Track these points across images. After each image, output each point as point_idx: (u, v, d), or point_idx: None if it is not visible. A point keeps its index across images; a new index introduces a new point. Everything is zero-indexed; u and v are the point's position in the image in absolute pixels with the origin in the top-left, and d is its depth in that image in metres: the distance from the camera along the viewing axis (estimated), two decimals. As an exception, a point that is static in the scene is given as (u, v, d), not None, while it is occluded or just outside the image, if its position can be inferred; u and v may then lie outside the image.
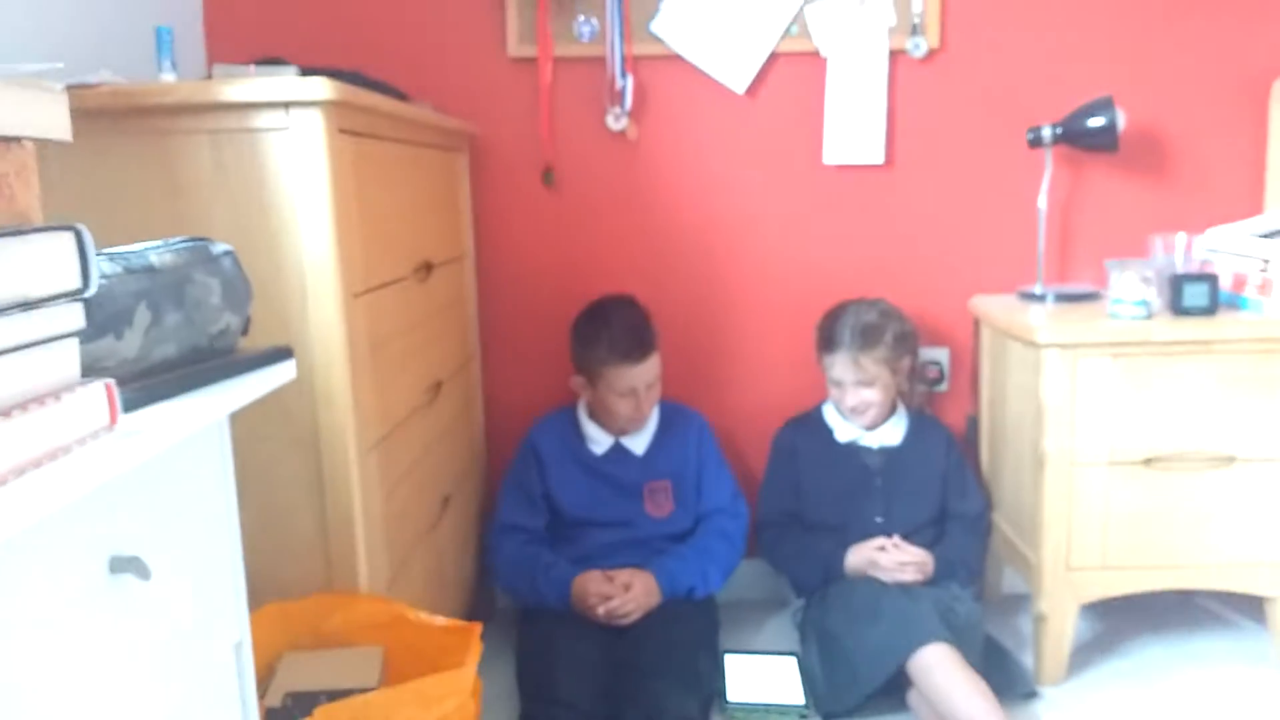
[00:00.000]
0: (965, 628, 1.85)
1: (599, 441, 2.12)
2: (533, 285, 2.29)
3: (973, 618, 1.92)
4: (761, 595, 2.35)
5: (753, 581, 2.34)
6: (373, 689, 1.26)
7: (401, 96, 1.71)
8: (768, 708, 1.87)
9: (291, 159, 1.28)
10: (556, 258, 2.28)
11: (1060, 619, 1.94)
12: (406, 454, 1.63)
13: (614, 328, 2.05)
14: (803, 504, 2.15)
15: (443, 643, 1.37)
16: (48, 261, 0.69)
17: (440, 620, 1.39)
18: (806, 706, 1.87)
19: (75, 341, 0.72)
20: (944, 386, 2.34)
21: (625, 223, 2.27)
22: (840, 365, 2.09)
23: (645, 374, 2.05)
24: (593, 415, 2.14)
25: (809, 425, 2.20)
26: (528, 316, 2.30)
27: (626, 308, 2.10)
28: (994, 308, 2.14)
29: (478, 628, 1.36)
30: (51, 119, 0.73)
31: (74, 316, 0.72)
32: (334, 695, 1.21)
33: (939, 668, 1.70)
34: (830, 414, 2.18)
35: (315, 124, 1.27)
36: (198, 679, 0.91)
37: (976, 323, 2.28)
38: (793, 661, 2.02)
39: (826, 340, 2.13)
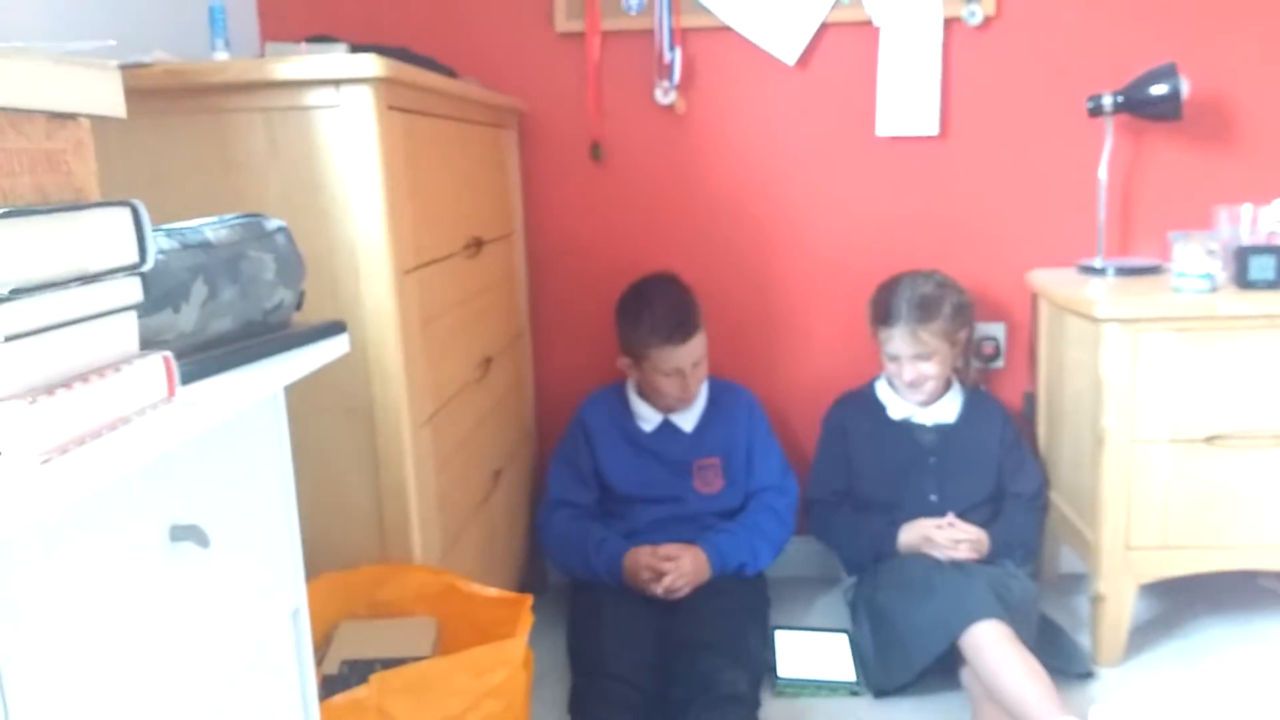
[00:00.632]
0: (1020, 606, 1.83)
1: (648, 419, 2.12)
2: (582, 261, 2.29)
3: (1028, 596, 1.89)
4: (812, 572, 2.34)
5: (804, 558, 2.34)
6: (426, 658, 1.27)
7: (450, 73, 1.71)
8: (819, 684, 1.86)
9: (342, 136, 1.29)
10: (605, 233, 2.28)
11: (1119, 599, 1.90)
12: (458, 428, 1.65)
13: (656, 310, 2.04)
14: (855, 482, 2.13)
15: (494, 614, 1.38)
16: (106, 236, 0.71)
17: (491, 591, 1.41)
18: (858, 683, 1.86)
19: (134, 315, 0.74)
20: (1000, 363, 2.30)
21: (674, 197, 2.26)
22: (897, 339, 2.06)
23: (690, 354, 2.04)
24: (641, 393, 2.14)
25: (861, 402, 2.18)
26: (577, 292, 2.30)
27: (669, 288, 2.09)
28: (1052, 282, 2.09)
29: (528, 599, 1.38)
30: (106, 96, 0.74)
31: (132, 290, 0.73)
32: (389, 664, 1.24)
33: (991, 645, 1.68)
34: (883, 391, 2.16)
35: (365, 101, 1.28)
36: (257, 645, 0.93)
37: (1034, 297, 2.24)
38: (844, 638, 2.01)
39: (882, 313, 2.09)
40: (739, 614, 1.90)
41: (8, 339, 0.60)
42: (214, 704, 0.84)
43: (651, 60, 2.19)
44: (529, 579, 2.17)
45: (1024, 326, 2.28)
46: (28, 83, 0.66)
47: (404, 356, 1.36)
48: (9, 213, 0.61)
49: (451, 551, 1.57)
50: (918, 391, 2.08)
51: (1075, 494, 2.04)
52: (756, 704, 1.75)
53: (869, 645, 1.90)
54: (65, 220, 0.66)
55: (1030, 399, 2.28)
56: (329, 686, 1.18)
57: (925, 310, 2.04)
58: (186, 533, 0.77)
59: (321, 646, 1.32)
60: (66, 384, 0.64)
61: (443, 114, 1.61)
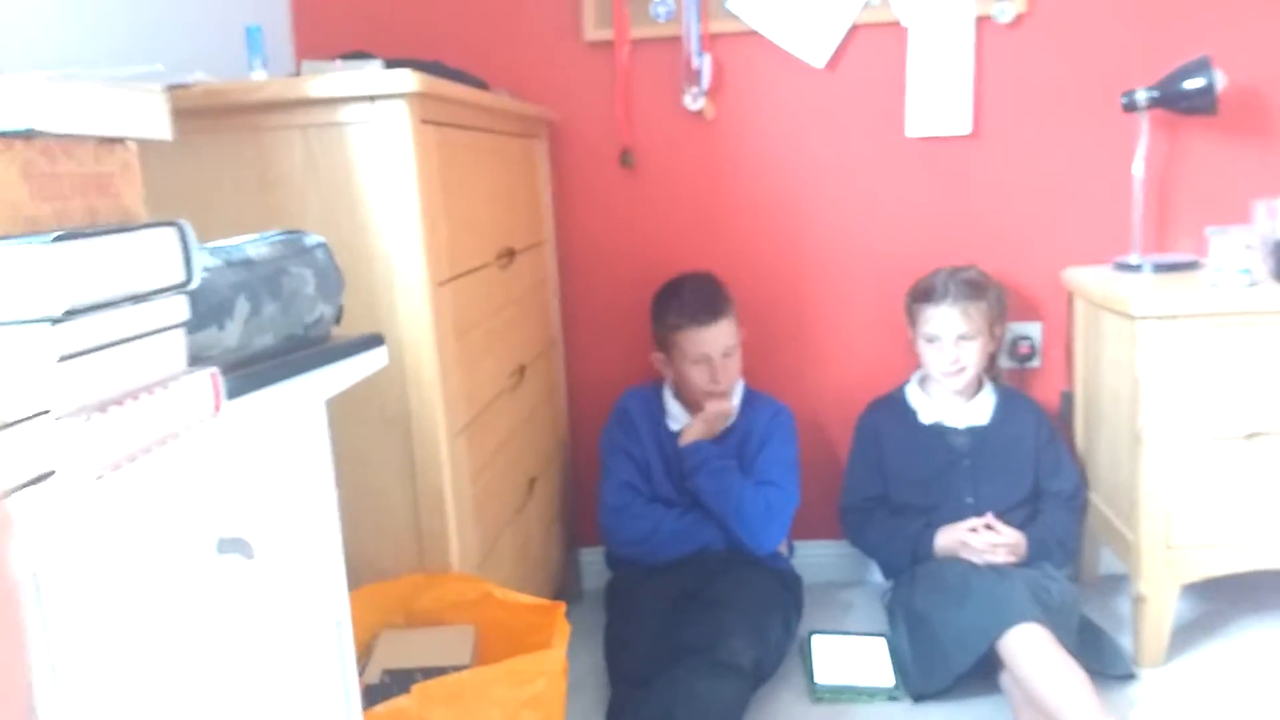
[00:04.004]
0: (1059, 608, 1.81)
1: (677, 419, 2.12)
2: (614, 268, 2.30)
3: (1067, 598, 1.88)
4: (847, 576, 2.34)
5: (837, 562, 2.33)
6: (466, 667, 1.29)
7: (482, 85, 1.73)
8: (857, 690, 1.86)
9: (378, 151, 1.31)
10: (637, 240, 2.29)
11: (1160, 600, 1.88)
12: (493, 437, 1.66)
13: (685, 293, 2.07)
14: (889, 487, 2.12)
15: (530, 621, 1.39)
16: (153, 256, 0.72)
17: (527, 599, 1.42)
18: (896, 688, 1.85)
19: (182, 332, 0.76)
20: (1037, 362, 2.28)
21: (705, 203, 2.27)
22: (941, 318, 2.04)
23: (718, 338, 2.04)
24: (677, 394, 2.14)
25: (892, 407, 2.17)
26: (609, 300, 2.32)
27: (699, 277, 2.12)
28: (1088, 279, 2.07)
29: (562, 607, 1.39)
30: (152, 119, 0.77)
31: (179, 308, 0.75)
32: (429, 673, 1.25)
33: (1030, 649, 1.66)
34: (914, 395, 2.15)
35: (400, 115, 1.30)
36: (301, 655, 0.95)
37: (1070, 296, 2.22)
38: (882, 643, 2.00)
39: (924, 294, 2.07)
40: (763, 603, 1.90)
41: (63, 359, 0.62)
42: (259, 714, 0.86)
43: (680, 67, 2.20)
44: (563, 584, 2.18)
45: (1060, 325, 2.26)
46: (78, 108, 0.68)
47: (439, 366, 1.37)
48: (62, 236, 0.63)
49: (488, 559, 1.59)
50: (954, 379, 2.06)
51: (1114, 494, 2.02)
52: (754, 681, 1.74)
53: (907, 650, 1.89)
54: (115, 242, 0.68)
55: (1067, 398, 2.26)
56: (371, 696, 1.20)
57: (974, 289, 2.03)
58: (233, 545, 0.79)
59: (362, 656, 1.33)
60: (119, 401, 0.66)
61: (475, 126, 1.63)
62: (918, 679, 1.83)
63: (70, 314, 0.63)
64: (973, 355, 2.04)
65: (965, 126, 2.17)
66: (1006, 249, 2.24)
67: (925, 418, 2.11)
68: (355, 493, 1.37)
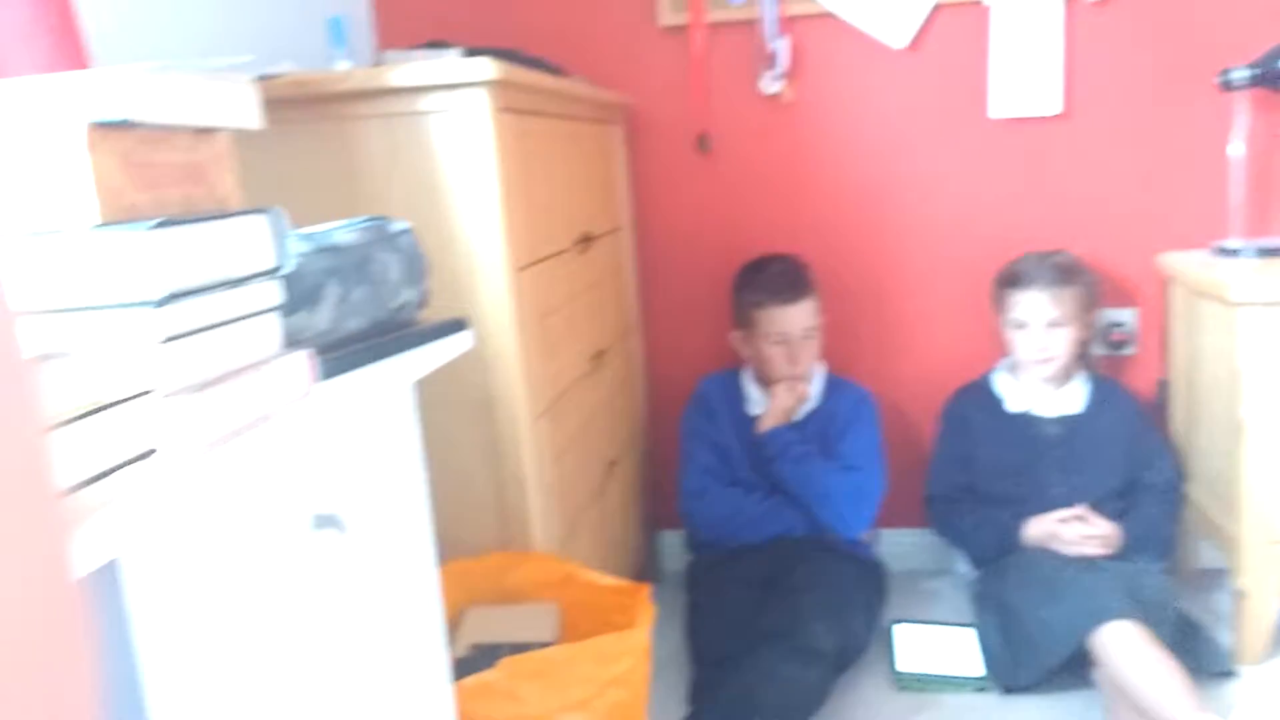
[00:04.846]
0: (1154, 604, 1.75)
1: (757, 403, 2.11)
2: (691, 254, 2.29)
3: (1163, 592, 1.81)
4: (933, 566, 2.30)
5: (923, 552, 2.29)
6: (551, 644, 1.31)
7: (559, 72, 1.74)
8: (944, 679, 1.83)
9: (458, 138, 1.33)
10: (714, 225, 2.28)
11: (1262, 595, 1.80)
12: (573, 420, 1.68)
13: (768, 272, 2.07)
14: (976, 477, 2.07)
15: (611, 602, 1.40)
16: (247, 243, 0.75)
17: (609, 579, 1.43)
18: (984, 679, 1.82)
19: (276, 316, 0.78)
20: (1132, 349, 2.20)
21: (783, 187, 2.24)
22: (1030, 303, 1.99)
23: (798, 318, 2.02)
24: (756, 379, 2.13)
25: (979, 395, 2.12)
26: (687, 285, 2.31)
27: (784, 258, 2.11)
28: (1185, 264, 1.99)
29: (646, 588, 1.39)
30: (244, 109, 0.79)
31: (273, 293, 0.77)
32: (516, 648, 1.27)
33: (1123, 646, 1.61)
34: (1001, 383, 2.09)
35: (480, 103, 1.31)
36: (393, 628, 0.97)
37: (1166, 281, 2.13)
38: (970, 633, 1.95)
39: (1013, 278, 2.02)
40: (846, 590, 1.88)
41: (165, 341, 0.65)
42: (354, 685, 0.88)
43: (757, 50, 2.18)
44: (642, 567, 2.19)
45: (1156, 312, 2.18)
46: (174, 99, 0.71)
47: (520, 350, 1.39)
48: (162, 223, 0.65)
49: (569, 540, 1.60)
50: (1043, 367, 2.00)
51: (1214, 486, 1.94)
52: (836, 667, 1.73)
53: (995, 641, 1.85)
54: (211, 229, 0.71)
55: (1164, 386, 2.18)
56: (459, 669, 1.22)
57: (1066, 274, 1.98)
58: (327, 521, 0.81)
59: (450, 631, 1.36)
60: (218, 382, 0.68)
61: (553, 113, 1.64)
62: (1007, 671, 1.79)
63: (171, 298, 0.65)
64: (1062, 342, 1.99)
65: (1055, 106, 2.10)
66: (1099, 232, 2.16)
67: (1012, 406, 2.06)
68: (440, 474, 1.39)
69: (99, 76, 0.65)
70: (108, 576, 0.59)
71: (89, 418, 0.55)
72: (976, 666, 1.85)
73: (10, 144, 0.64)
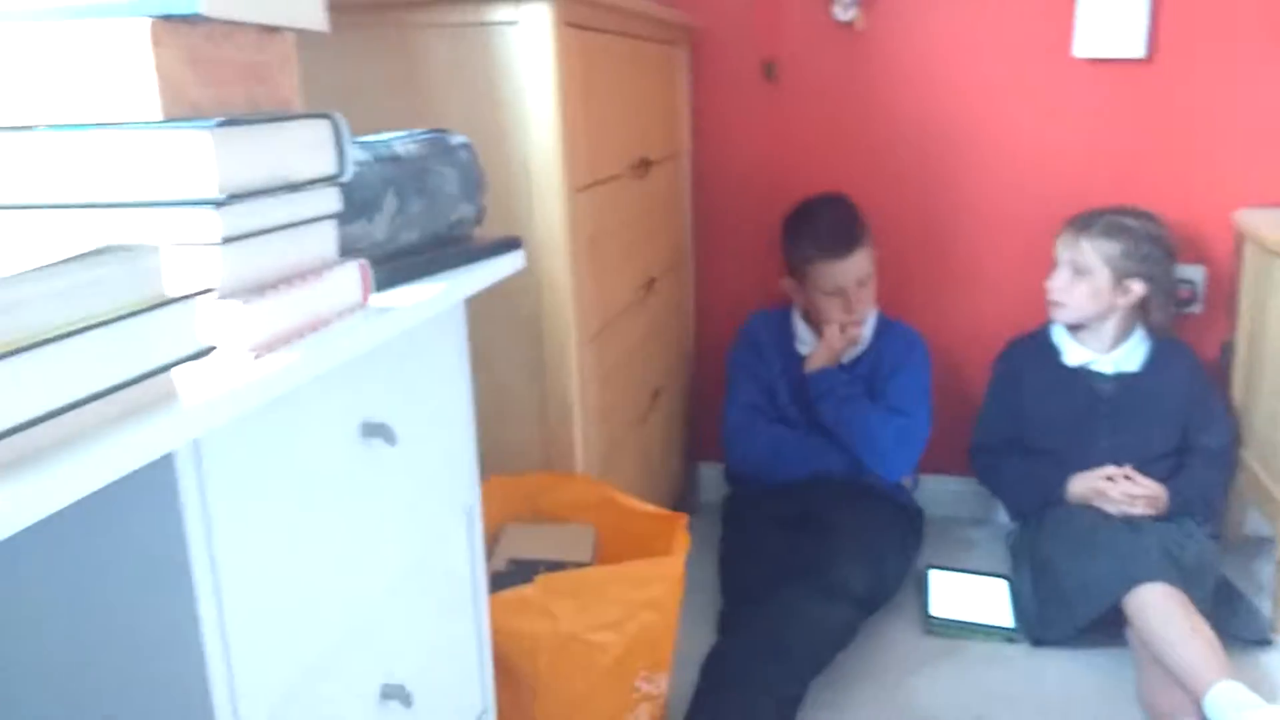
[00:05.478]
0: (1195, 568, 1.73)
1: (806, 343, 2.09)
2: (750, 184, 2.25)
3: (1204, 557, 1.79)
4: (972, 515, 2.29)
5: (963, 500, 2.28)
6: (587, 564, 1.32)
7: (626, -12, 1.69)
8: (975, 626, 1.83)
9: (521, 53, 1.30)
10: (775, 156, 2.23)
11: (1310, 566, 1.77)
12: (621, 346, 1.67)
13: (818, 223, 2.01)
14: (1025, 429, 2.04)
15: (648, 529, 1.42)
16: (308, 147, 0.74)
17: (648, 507, 1.44)
18: (1015, 630, 1.82)
19: (334, 223, 0.78)
20: (1197, 308, 2.14)
21: (850, 120, 2.18)
22: (1063, 244, 1.98)
23: (852, 270, 1.99)
24: (806, 318, 2.11)
25: (1035, 346, 2.07)
26: (743, 216, 2.27)
27: (833, 203, 2.04)
28: (1261, 222, 1.91)
29: (683, 518, 1.40)
30: (310, 10, 0.77)
31: (332, 199, 0.77)
32: (552, 566, 1.29)
33: (1156, 608, 1.60)
34: (1060, 335, 2.05)
35: (544, 18, 1.28)
36: (436, 536, 0.99)
37: (1239, 238, 2.06)
38: (1003, 584, 1.95)
39: (1070, 220, 2.00)
40: (881, 532, 1.88)
41: (225, 240, 0.65)
42: (396, 589, 0.90)
43: (832, -25, 2.10)
44: (681, 497, 2.20)
45: (1226, 269, 2.11)
46: (242, -4, 0.69)
47: (572, 273, 1.38)
48: (224, 122, 0.65)
49: (610, 464, 1.61)
50: (1055, 310, 2.00)
51: (1270, 452, 1.89)
52: (865, 608, 1.73)
53: (1029, 594, 1.85)
54: (273, 131, 0.70)
55: (1228, 348, 2.11)
56: (496, 582, 1.25)
57: (1108, 230, 1.93)
58: (376, 430, 0.82)
59: (488, 545, 1.38)
60: (275, 285, 0.68)
61: (617, 30, 1.60)
62: (1039, 625, 1.79)
63: (233, 198, 0.65)
64: (1072, 291, 1.95)
65: (1139, 49, 2.01)
66: (1174, 184, 2.08)
67: (1070, 359, 2.02)
68: (485, 391, 1.40)
69: (167, -32, 0.64)
70: (165, 469, 0.60)
71: (151, 312, 0.55)
72: (1008, 617, 1.85)
73: (75, 35, 0.64)
